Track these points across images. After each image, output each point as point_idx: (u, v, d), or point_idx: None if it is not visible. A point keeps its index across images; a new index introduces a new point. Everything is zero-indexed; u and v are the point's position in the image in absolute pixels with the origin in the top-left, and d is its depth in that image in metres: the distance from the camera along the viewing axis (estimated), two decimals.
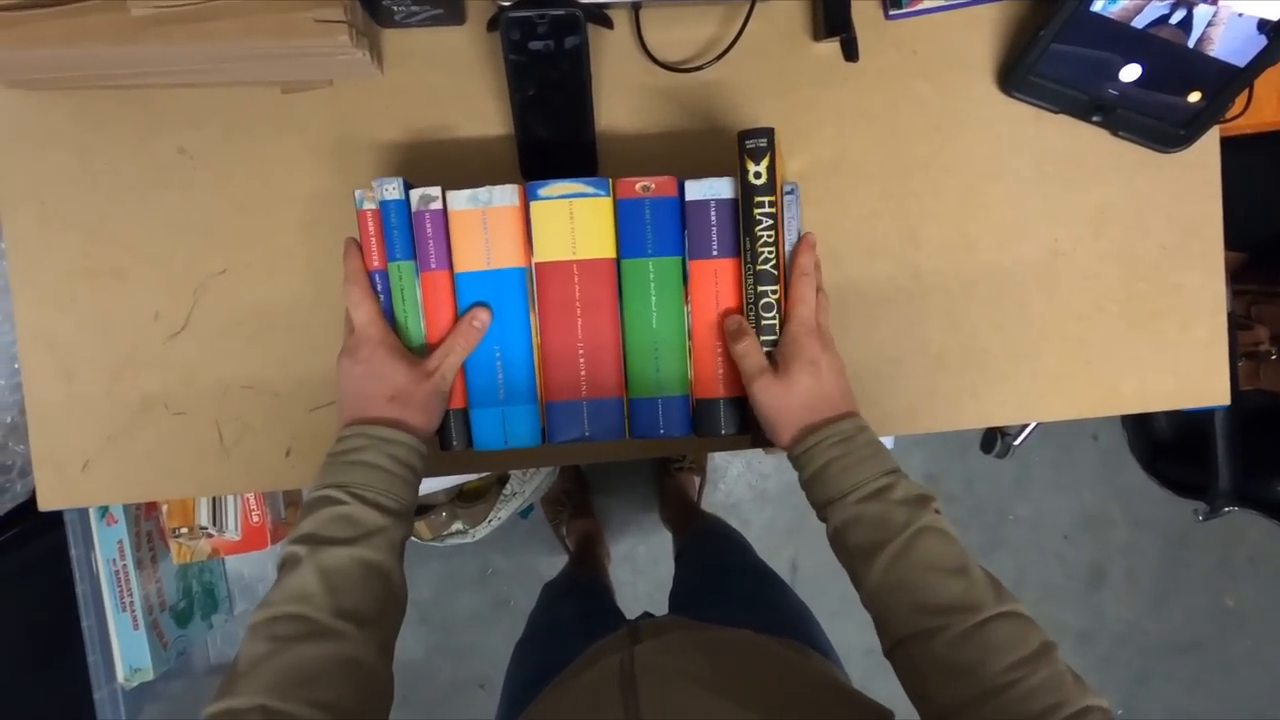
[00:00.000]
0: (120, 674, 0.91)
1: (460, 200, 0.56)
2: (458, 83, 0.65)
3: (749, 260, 0.56)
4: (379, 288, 0.57)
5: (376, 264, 0.57)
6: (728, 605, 0.80)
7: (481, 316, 0.56)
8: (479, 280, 0.57)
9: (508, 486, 1.24)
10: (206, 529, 0.94)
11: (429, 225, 0.56)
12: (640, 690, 0.47)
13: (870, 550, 0.48)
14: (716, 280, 0.58)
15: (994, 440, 1.56)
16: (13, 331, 0.66)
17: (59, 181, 0.65)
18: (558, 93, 0.60)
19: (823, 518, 0.52)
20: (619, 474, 1.65)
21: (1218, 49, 0.61)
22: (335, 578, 0.46)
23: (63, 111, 0.65)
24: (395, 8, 0.61)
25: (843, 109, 0.67)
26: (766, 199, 0.55)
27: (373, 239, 0.56)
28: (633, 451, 0.68)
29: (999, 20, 0.67)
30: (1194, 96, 0.64)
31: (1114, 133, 0.67)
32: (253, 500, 0.94)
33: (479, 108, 0.66)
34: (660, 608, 0.94)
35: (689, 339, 0.59)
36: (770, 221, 0.55)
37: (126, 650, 0.91)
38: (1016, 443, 1.54)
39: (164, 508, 0.94)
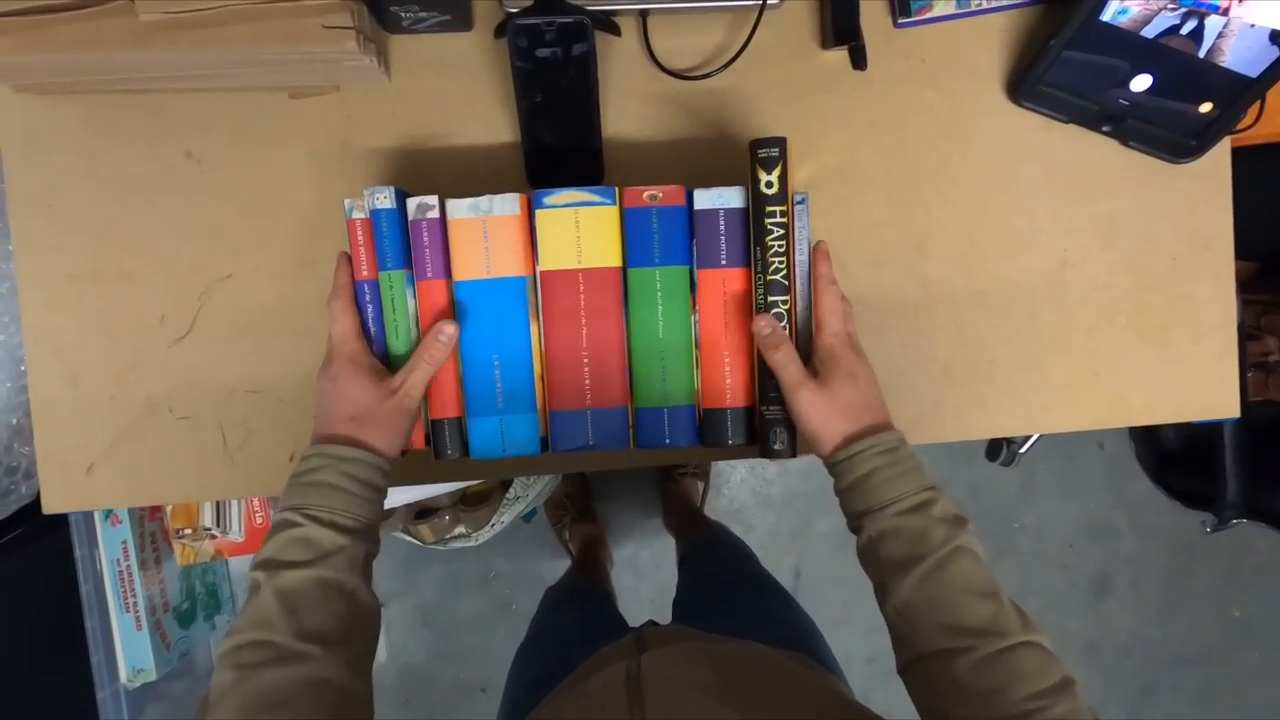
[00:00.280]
0: (123, 674, 0.91)
1: (460, 209, 0.56)
2: (464, 89, 0.65)
3: (760, 270, 0.56)
4: (369, 297, 0.57)
5: (366, 273, 0.57)
6: (732, 617, 0.80)
7: (447, 330, 0.55)
8: (478, 289, 0.57)
9: (511, 491, 1.24)
10: (210, 530, 0.94)
11: (425, 234, 0.56)
12: (646, 698, 0.47)
13: (905, 564, 0.48)
14: (725, 289, 0.58)
15: (999, 448, 1.56)
16: (19, 333, 0.66)
17: (67, 185, 0.65)
18: (565, 100, 0.60)
19: (855, 527, 0.52)
20: (622, 479, 1.65)
21: (1229, 60, 0.60)
22: (294, 600, 0.46)
23: (71, 115, 0.65)
24: (402, 14, 0.61)
25: (850, 117, 0.67)
26: (778, 208, 0.55)
27: (362, 248, 0.56)
28: (637, 461, 0.67)
29: (1008, 29, 0.67)
30: (1205, 107, 0.63)
31: (1124, 143, 0.67)
32: (256, 502, 0.94)
33: (485, 114, 0.65)
34: (662, 613, 0.94)
35: (696, 348, 0.59)
36: (781, 231, 0.55)
37: (129, 650, 0.91)
38: (1022, 451, 1.53)
39: (168, 509, 0.94)
